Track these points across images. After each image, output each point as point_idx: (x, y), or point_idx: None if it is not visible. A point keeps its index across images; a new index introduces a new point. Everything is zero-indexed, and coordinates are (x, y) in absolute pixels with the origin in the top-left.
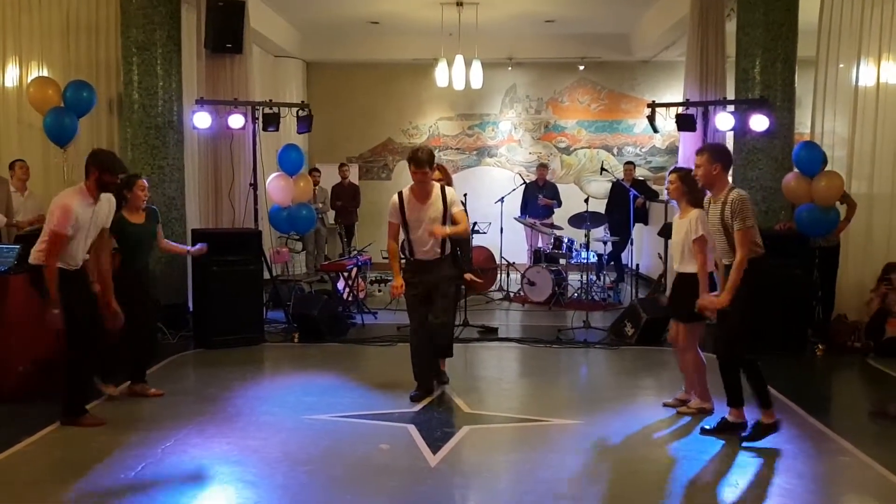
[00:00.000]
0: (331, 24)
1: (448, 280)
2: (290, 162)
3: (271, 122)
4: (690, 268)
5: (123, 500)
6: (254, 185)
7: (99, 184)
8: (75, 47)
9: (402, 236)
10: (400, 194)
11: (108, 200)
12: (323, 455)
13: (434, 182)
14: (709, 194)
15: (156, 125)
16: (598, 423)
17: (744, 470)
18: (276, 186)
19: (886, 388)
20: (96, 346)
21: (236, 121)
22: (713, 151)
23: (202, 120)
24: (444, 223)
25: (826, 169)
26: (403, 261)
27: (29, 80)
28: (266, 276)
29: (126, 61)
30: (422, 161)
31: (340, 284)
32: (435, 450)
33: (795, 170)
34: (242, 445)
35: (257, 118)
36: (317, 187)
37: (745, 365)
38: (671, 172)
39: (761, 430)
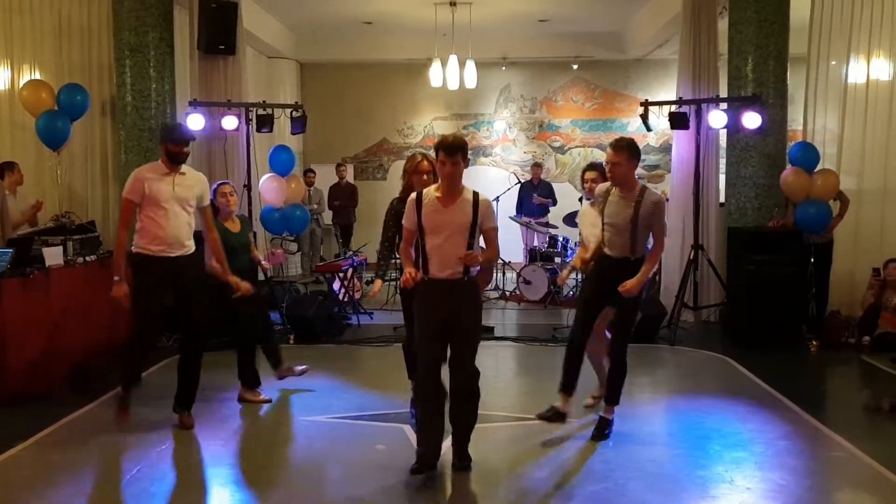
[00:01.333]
0: (324, 24)
1: (474, 310)
2: (280, 163)
3: (265, 123)
4: None
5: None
6: (248, 187)
7: (168, 155)
8: (67, 50)
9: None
10: (419, 193)
11: (195, 177)
12: (319, 456)
13: (466, 185)
14: (599, 187)
15: (149, 127)
16: (594, 421)
17: (738, 466)
18: (268, 187)
19: (880, 383)
20: (154, 340)
21: (230, 122)
22: (632, 150)
23: (196, 122)
24: (471, 236)
25: (818, 166)
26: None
27: (21, 83)
28: (260, 277)
29: (119, 64)
30: (453, 147)
31: (336, 285)
32: None
33: (789, 166)
34: (238, 447)
35: (251, 119)
36: (311, 188)
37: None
38: (593, 169)
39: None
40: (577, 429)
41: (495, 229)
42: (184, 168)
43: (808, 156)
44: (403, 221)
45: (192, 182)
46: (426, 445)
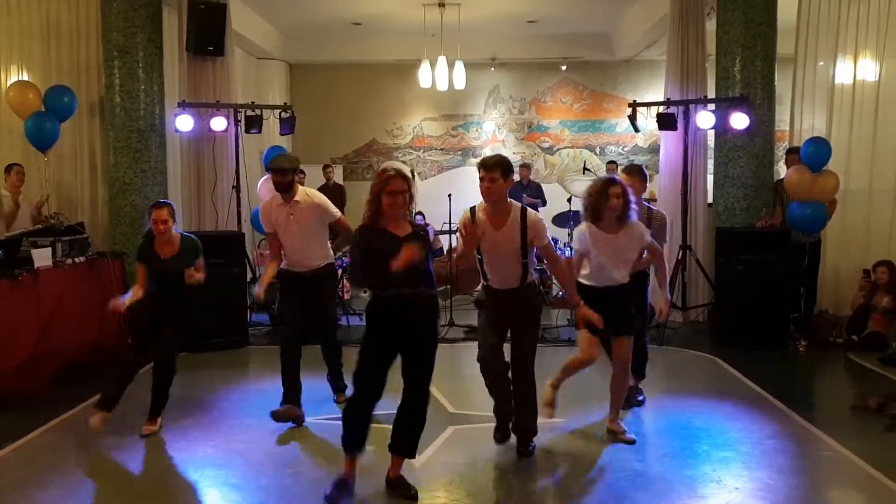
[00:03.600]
0: (313, 25)
1: (532, 320)
2: None
3: (254, 124)
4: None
5: None
6: (237, 188)
7: (274, 185)
8: (56, 51)
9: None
10: (473, 210)
11: (309, 203)
12: (308, 457)
13: (513, 202)
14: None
15: (138, 128)
16: (583, 421)
17: (727, 466)
18: (268, 189)
19: (867, 382)
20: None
21: (218, 123)
22: (641, 172)
23: (184, 123)
24: (523, 256)
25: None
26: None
27: (8, 84)
28: (250, 278)
29: (107, 64)
30: (488, 164)
31: None
32: (419, 451)
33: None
34: (227, 448)
35: (240, 120)
36: None
37: None
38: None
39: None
40: (564, 429)
41: (548, 246)
42: (299, 195)
43: (819, 150)
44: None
45: (306, 210)
46: (502, 418)
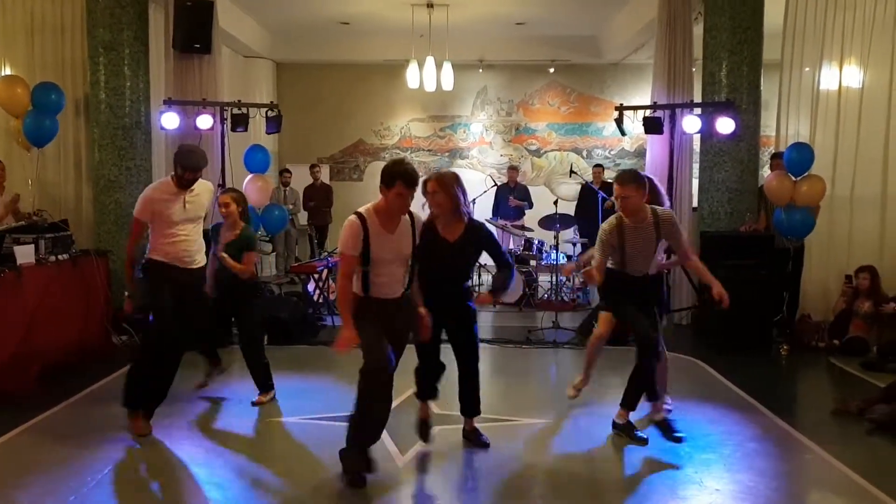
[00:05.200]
0: (301, 24)
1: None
2: (256, 162)
3: (240, 122)
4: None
5: None
6: (222, 186)
7: (177, 179)
8: (40, 47)
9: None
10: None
11: (206, 191)
12: (292, 457)
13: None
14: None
15: (123, 126)
16: (566, 422)
17: (708, 468)
18: (252, 188)
19: (848, 387)
20: (174, 348)
21: (204, 121)
22: (641, 182)
23: (170, 120)
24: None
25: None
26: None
27: None
28: None
29: (93, 61)
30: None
31: (311, 286)
32: (403, 451)
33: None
34: (211, 448)
35: (226, 119)
36: (287, 188)
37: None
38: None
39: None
40: (547, 430)
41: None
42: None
43: (802, 156)
44: None
45: (200, 197)
46: None
